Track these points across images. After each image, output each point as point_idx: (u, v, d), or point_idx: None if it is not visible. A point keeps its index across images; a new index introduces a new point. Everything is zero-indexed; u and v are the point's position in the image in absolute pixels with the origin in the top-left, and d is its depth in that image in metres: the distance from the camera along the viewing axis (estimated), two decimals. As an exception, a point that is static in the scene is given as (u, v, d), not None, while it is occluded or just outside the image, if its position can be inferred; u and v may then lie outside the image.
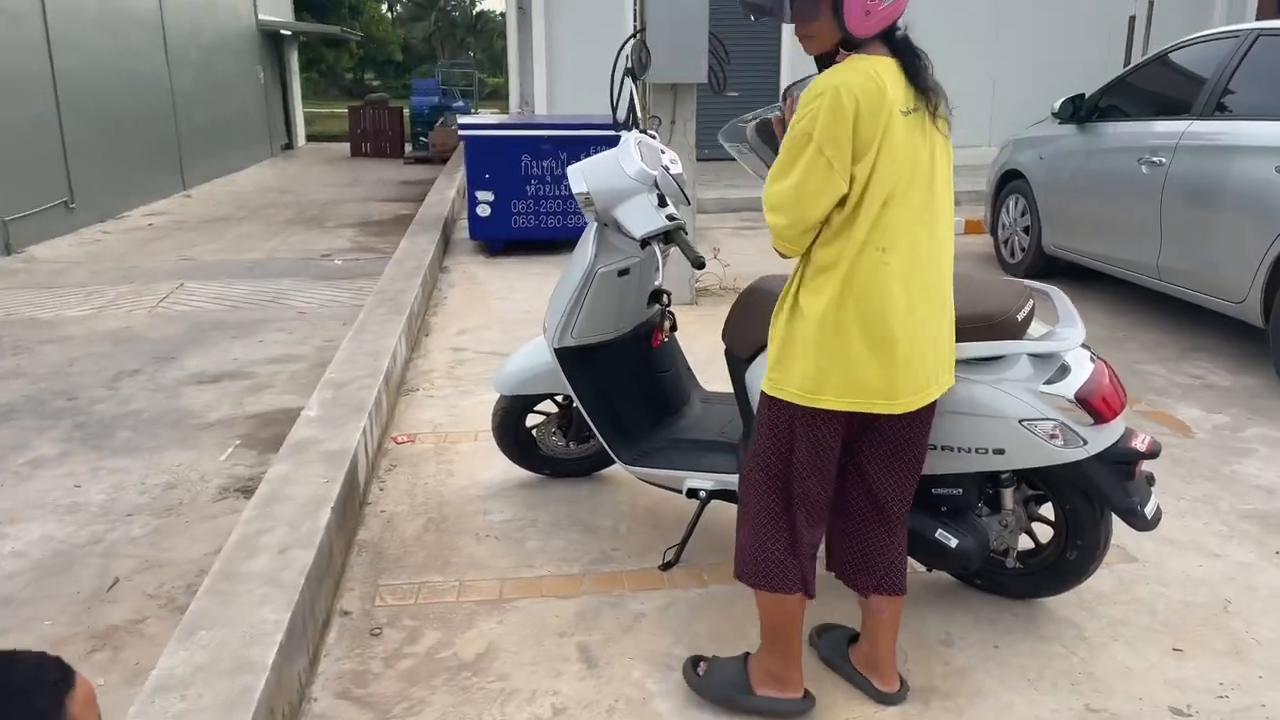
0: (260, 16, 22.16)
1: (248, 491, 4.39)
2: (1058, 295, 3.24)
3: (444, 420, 5.19)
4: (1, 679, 1.22)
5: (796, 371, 2.33)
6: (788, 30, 12.89)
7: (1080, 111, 7.63)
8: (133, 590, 3.62)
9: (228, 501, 4.37)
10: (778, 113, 2.59)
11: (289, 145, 25.18)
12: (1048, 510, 3.18)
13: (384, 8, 57.25)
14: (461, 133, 9.98)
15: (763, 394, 2.44)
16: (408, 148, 22.87)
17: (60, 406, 5.70)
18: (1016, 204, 8.50)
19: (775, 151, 2.33)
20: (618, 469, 3.97)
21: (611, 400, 3.66)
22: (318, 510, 3.27)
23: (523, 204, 9.77)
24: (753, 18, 2.46)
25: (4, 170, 10.39)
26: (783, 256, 2.37)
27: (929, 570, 3.18)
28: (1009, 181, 8.65)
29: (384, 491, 4.29)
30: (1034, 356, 2.84)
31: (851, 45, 2.27)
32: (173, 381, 6.16)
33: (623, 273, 3.50)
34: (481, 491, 4.28)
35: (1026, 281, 3.20)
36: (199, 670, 2.34)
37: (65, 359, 6.67)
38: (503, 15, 24.69)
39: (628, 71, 4.24)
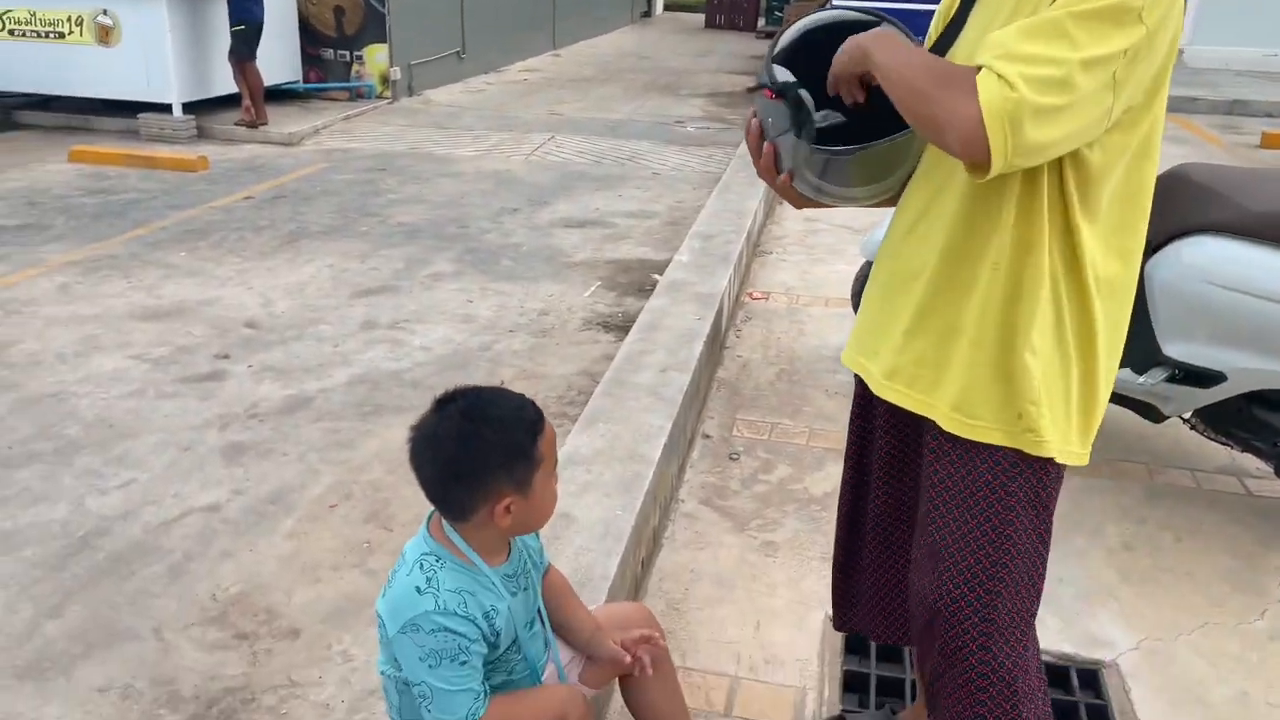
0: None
1: (608, 326, 4.77)
2: None
3: (796, 284, 5.31)
4: (496, 410, 1.46)
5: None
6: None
7: None
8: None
9: (590, 332, 4.76)
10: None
11: (647, 13, 25.84)
12: None
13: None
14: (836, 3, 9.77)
15: None
16: (760, 21, 22.68)
17: (454, 232, 6.41)
18: None
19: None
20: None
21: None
22: (692, 341, 3.53)
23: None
24: None
25: (413, 23, 11.53)
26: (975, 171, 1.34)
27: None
28: None
29: (740, 339, 4.51)
30: None
31: None
32: (545, 222, 6.71)
33: None
34: (832, 353, 4.38)
35: None
36: (599, 453, 2.67)
37: (458, 192, 7.45)
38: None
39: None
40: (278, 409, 3.89)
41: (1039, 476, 1.51)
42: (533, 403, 1.50)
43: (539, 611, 1.64)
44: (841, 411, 3.80)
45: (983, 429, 1.49)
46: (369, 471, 3.42)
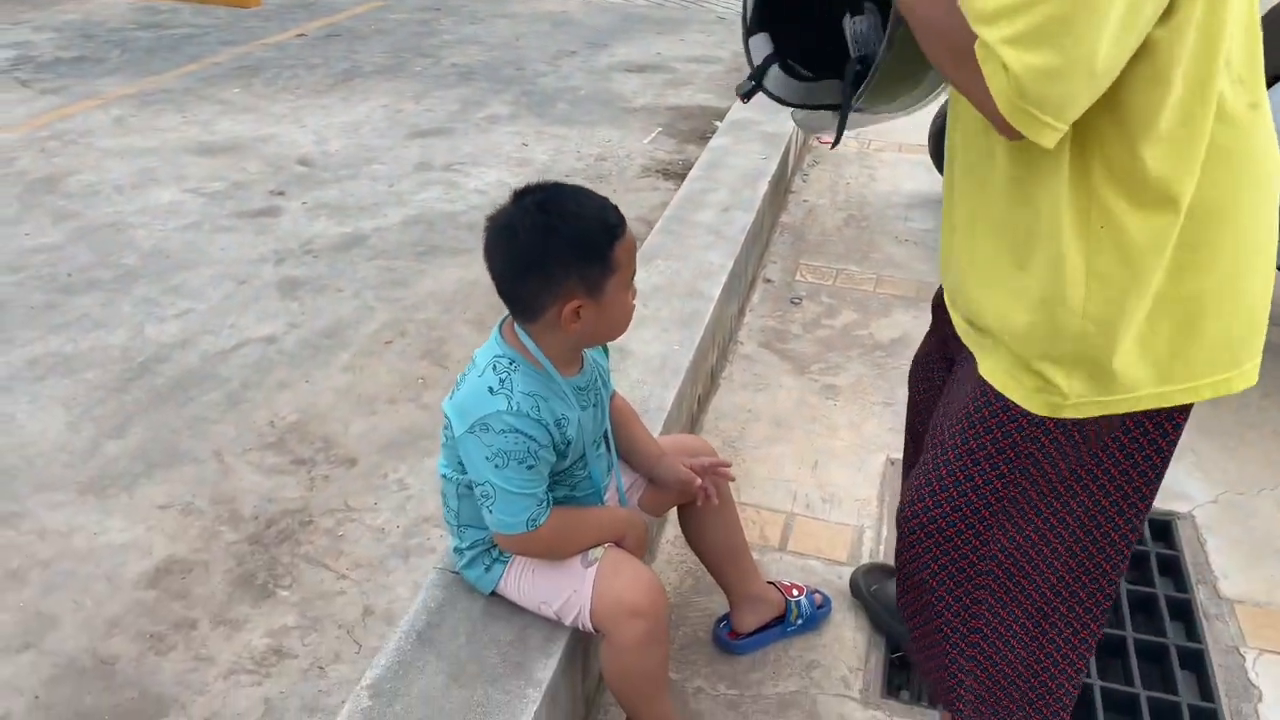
0: None
1: (667, 173, 4.61)
2: None
3: (868, 128, 5.06)
4: (574, 206, 1.36)
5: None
6: None
7: None
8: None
9: (649, 179, 4.60)
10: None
11: None
12: None
13: None
14: None
15: None
16: None
17: (510, 75, 6.20)
18: None
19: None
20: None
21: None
22: (756, 180, 3.37)
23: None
24: None
25: None
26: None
27: None
28: None
29: (806, 183, 4.33)
30: None
31: None
32: (604, 66, 6.45)
33: None
34: (904, 199, 4.19)
35: None
36: (657, 289, 2.58)
37: (513, 34, 7.17)
38: None
39: None
40: (333, 246, 3.84)
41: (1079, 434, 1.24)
42: (616, 208, 1.39)
43: (605, 432, 1.58)
44: (912, 260, 3.64)
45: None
46: (424, 310, 3.38)
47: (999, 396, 1.24)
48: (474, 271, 3.56)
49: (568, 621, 1.45)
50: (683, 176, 4.31)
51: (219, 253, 3.78)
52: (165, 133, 4.98)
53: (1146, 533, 2.27)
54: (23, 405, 2.84)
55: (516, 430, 1.35)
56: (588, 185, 1.45)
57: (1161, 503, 2.39)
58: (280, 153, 4.79)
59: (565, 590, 1.43)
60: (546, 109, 5.55)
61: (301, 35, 6.94)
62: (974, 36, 1.03)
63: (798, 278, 3.45)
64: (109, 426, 2.76)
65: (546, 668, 1.38)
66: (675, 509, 1.85)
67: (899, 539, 1.43)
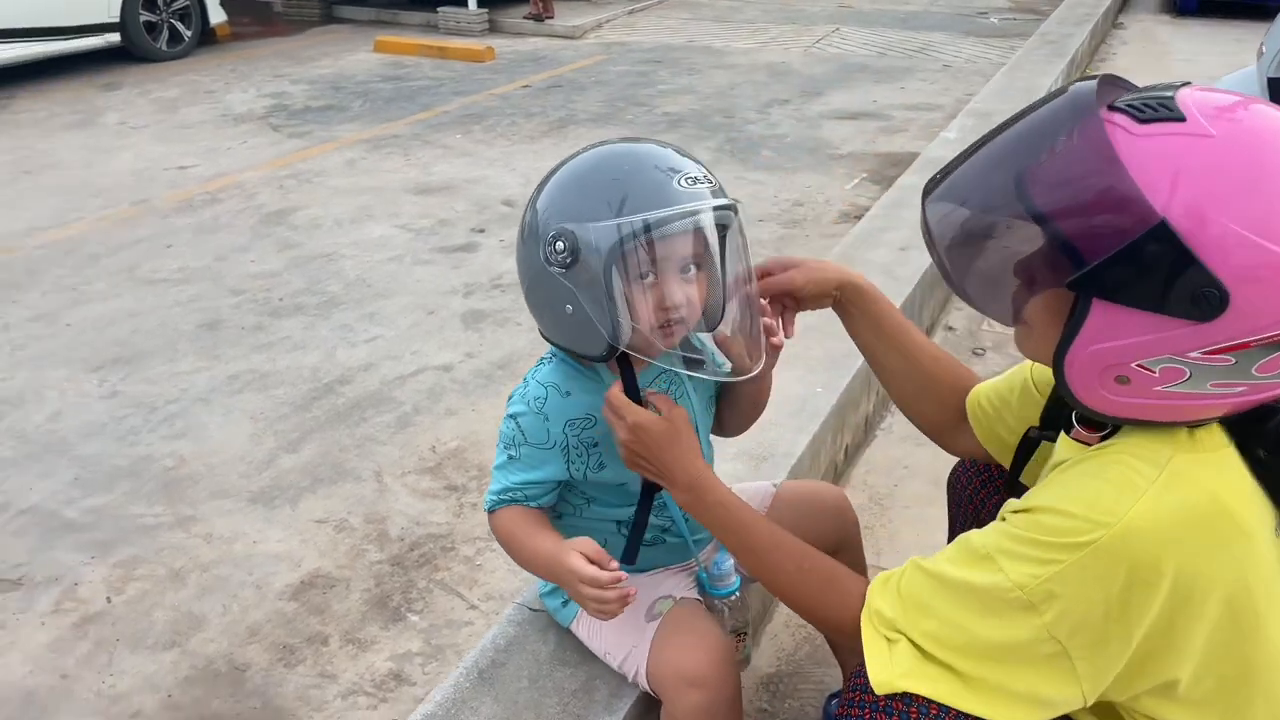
0: None
1: (870, 220, 4.41)
2: None
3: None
4: None
5: None
6: None
7: None
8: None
9: (845, 225, 4.42)
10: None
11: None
12: None
13: None
14: None
15: None
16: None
17: (718, 122, 6.20)
18: None
19: None
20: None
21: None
22: (944, 223, 3.13)
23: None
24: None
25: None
26: None
27: None
28: None
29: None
30: None
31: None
32: (815, 114, 6.33)
33: None
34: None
35: None
36: (810, 328, 2.35)
37: (728, 84, 7.20)
38: None
39: None
40: (519, 282, 3.92)
41: None
42: None
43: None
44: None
45: None
46: (597, 346, 3.36)
47: None
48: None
49: (629, 679, 1.31)
50: (880, 224, 4.10)
51: (415, 284, 3.94)
52: (388, 174, 5.31)
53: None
54: (216, 417, 3.03)
55: (511, 415, 1.28)
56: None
57: None
58: (488, 193, 4.98)
59: (627, 644, 1.30)
60: (749, 155, 5.50)
61: (526, 86, 7.26)
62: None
63: (984, 327, 3.17)
64: (287, 441, 2.90)
65: (608, 726, 1.26)
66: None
67: None
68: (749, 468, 1.81)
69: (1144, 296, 0.89)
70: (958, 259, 1.04)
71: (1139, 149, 0.88)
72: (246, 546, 2.46)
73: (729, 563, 1.31)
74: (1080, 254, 0.90)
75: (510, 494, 1.27)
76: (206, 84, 7.33)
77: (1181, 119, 0.89)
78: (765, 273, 1.36)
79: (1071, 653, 0.96)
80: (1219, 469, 0.95)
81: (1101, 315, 0.91)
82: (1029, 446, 1.18)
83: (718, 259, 1.23)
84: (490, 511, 1.29)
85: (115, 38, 7.68)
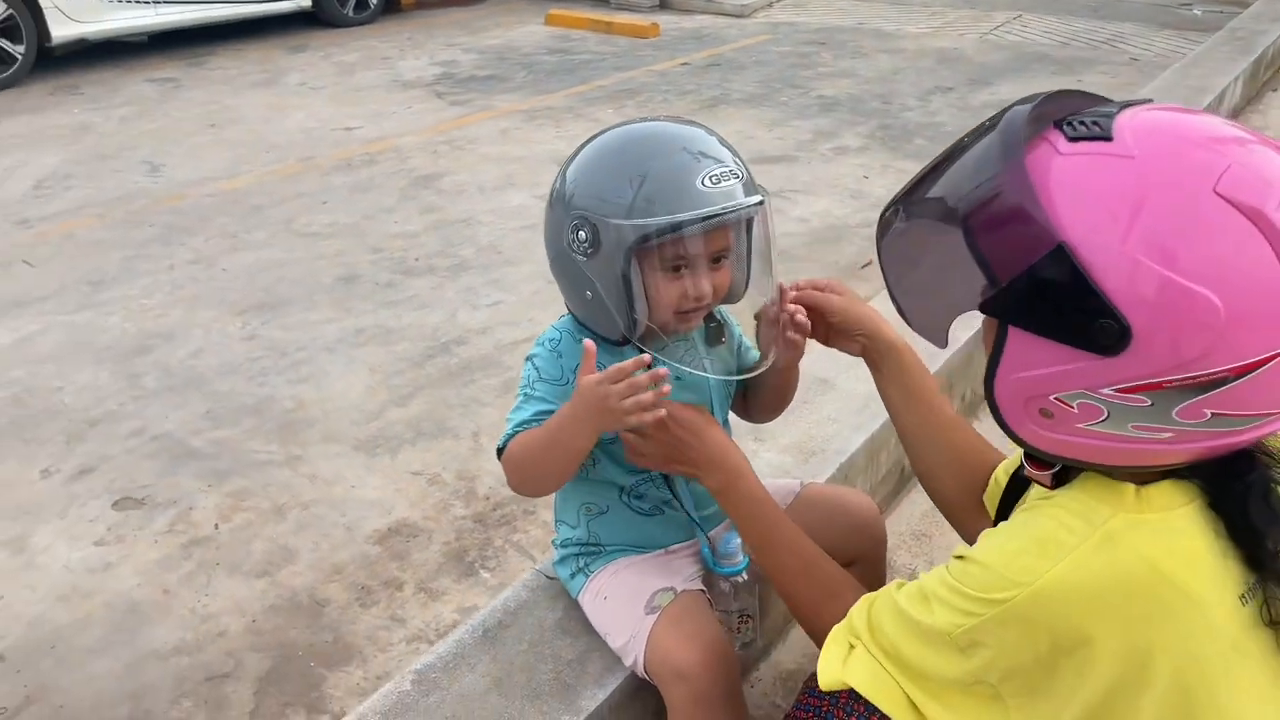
0: None
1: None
2: None
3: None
4: None
5: None
6: None
7: None
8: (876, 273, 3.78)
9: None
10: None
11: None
12: None
13: None
14: None
15: None
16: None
17: (873, 107, 6.03)
18: None
19: None
20: None
21: None
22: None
23: None
24: None
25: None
26: None
27: None
28: None
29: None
30: None
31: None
32: (979, 104, 6.06)
33: None
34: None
35: None
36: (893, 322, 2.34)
37: (891, 68, 6.98)
38: None
39: None
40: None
41: None
42: None
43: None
44: None
45: None
46: (708, 327, 3.36)
47: None
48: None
49: (627, 664, 1.32)
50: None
51: (541, 253, 4.02)
52: (537, 144, 5.43)
53: None
54: (339, 365, 3.20)
55: (529, 358, 1.31)
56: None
57: None
58: (628, 168, 5.02)
59: (626, 631, 1.31)
60: (901, 143, 5.33)
61: (685, 64, 7.26)
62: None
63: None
64: (398, 395, 3.04)
65: (594, 698, 1.27)
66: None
67: None
68: (797, 461, 1.78)
69: (1049, 324, 0.83)
70: (893, 269, 0.99)
71: (1055, 168, 0.83)
72: (345, 490, 2.60)
73: (736, 542, 1.30)
74: (994, 275, 0.84)
75: (524, 426, 1.28)
76: (383, 50, 7.67)
77: (1108, 138, 0.82)
78: (813, 287, 1.34)
79: (1006, 698, 0.93)
80: (1164, 532, 0.88)
81: (1017, 342, 0.86)
82: (1018, 487, 1.12)
83: (743, 249, 1.25)
84: (501, 450, 1.29)
85: (306, 2, 8.14)
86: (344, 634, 2.13)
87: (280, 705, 1.97)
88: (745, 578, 1.33)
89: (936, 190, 0.92)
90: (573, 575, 1.41)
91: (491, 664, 1.33)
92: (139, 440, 2.81)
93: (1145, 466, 0.88)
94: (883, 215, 1.00)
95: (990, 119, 0.92)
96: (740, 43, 7.92)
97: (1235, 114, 5.14)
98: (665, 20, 8.63)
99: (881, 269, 1.00)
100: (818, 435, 1.85)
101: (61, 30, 6.66)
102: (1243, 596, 0.88)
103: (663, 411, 1.16)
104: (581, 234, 1.19)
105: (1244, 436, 0.84)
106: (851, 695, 1.03)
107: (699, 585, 1.36)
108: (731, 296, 1.30)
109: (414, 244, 4.14)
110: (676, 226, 1.15)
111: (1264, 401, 0.81)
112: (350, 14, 8.45)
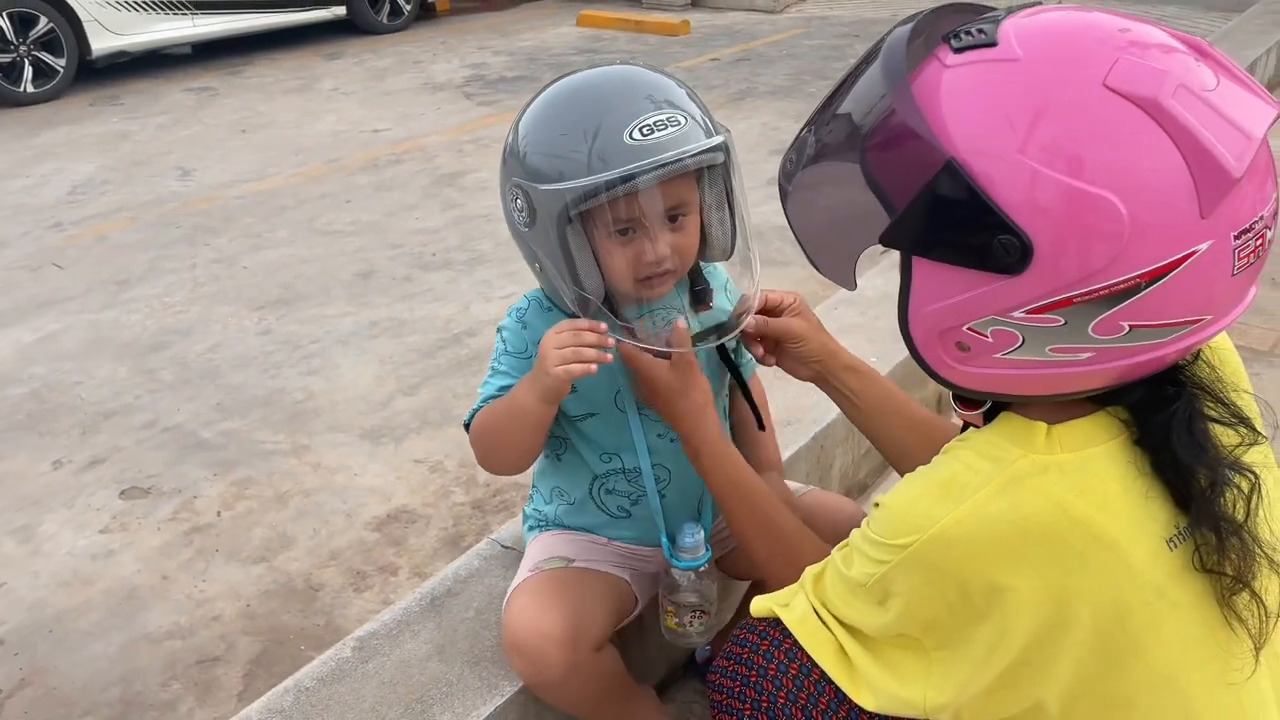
0: None
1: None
2: None
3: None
4: None
5: None
6: None
7: None
8: (890, 256, 3.72)
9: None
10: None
11: None
12: None
13: None
14: None
15: None
16: None
17: (904, 97, 5.94)
18: None
19: None
20: None
21: None
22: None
23: None
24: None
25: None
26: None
27: None
28: None
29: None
30: None
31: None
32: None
33: None
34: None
35: None
36: (886, 296, 2.27)
37: (923, 58, 6.88)
38: None
39: None
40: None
41: None
42: None
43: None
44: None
45: None
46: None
47: None
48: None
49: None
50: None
51: (559, 246, 4.01)
52: (561, 140, 5.42)
53: None
54: (350, 357, 3.21)
55: (498, 330, 1.28)
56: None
57: None
58: (651, 162, 4.99)
59: (514, 582, 1.26)
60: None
61: (714, 60, 7.22)
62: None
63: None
64: (407, 385, 3.04)
65: (537, 666, 1.24)
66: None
67: None
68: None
69: (950, 249, 0.78)
70: (796, 214, 0.94)
71: (944, 82, 0.78)
72: (347, 478, 2.60)
73: (698, 536, 1.25)
74: (890, 204, 0.79)
75: (488, 401, 1.25)
76: (416, 54, 7.74)
77: (993, 44, 0.77)
78: (777, 309, 1.30)
79: (929, 651, 0.88)
80: (1075, 473, 0.82)
81: (923, 274, 0.81)
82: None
83: (717, 199, 1.18)
84: (467, 426, 1.26)
85: (341, 11, 8.24)
86: (335, 618, 2.13)
87: (268, 687, 1.95)
88: (705, 569, 1.28)
89: (828, 126, 0.87)
90: (529, 529, 1.38)
91: (435, 630, 1.30)
92: (150, 432, 2.84)
93: (1070, 393, 0.83)
94: (783, 163, 0.95)
95: (873, 46, 0.86)
96: (772, 38, 7.86)
97: (1271, 86, 4.99)
98: (697, 18, 8.60)
99: (786, 216, 0.95)
100: (796, 405, 1.80)
101: (101, 43, 6.82)
102: (1170, 540, 0.82)
103: (593, 367, 1.11)
104: (519, 203, 1.15)
105: (1167, 350, 0.78)
106: (782, 637, 1.01)
107: (625, 578, 1.32)
108: (710, 254, 1.23)
109: (433, 239, 4.15)
110: (598, 189, 1.08)
111: (1181, 308, 0.76)
112: (384, 21, 8.54)
